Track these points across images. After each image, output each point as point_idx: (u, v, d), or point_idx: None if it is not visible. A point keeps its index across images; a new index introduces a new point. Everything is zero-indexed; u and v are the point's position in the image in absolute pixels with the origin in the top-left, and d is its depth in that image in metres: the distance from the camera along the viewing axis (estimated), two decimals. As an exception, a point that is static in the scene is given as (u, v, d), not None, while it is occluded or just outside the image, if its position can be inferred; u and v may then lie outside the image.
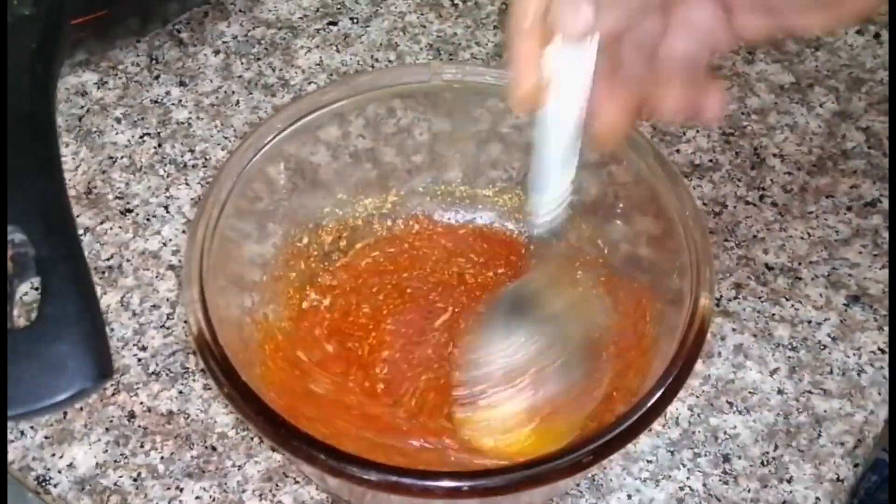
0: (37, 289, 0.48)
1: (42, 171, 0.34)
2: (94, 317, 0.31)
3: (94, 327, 0.30)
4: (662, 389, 0.40)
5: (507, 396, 0.45)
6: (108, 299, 0.53)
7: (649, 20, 0.36)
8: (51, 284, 0.31)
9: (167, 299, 0.54)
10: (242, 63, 0.64)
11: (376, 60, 0.65)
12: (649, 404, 0.39)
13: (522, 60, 0.38)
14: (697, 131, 0.61)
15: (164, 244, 0.56)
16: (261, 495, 0.47)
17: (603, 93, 0.38)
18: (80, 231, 0.56)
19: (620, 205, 0.53)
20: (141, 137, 0.60)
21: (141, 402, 0.50)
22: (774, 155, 0.61)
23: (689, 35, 0.36)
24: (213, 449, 0.49)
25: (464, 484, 0.38)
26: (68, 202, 0.34)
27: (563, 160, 0.41)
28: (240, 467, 0.48)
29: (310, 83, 0.63)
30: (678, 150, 0.61)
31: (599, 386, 0.46)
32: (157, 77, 0.63)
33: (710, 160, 0.60)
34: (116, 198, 0.58)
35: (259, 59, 0.64)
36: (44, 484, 0.47)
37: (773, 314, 0.54)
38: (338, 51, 0.65)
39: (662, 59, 0.37)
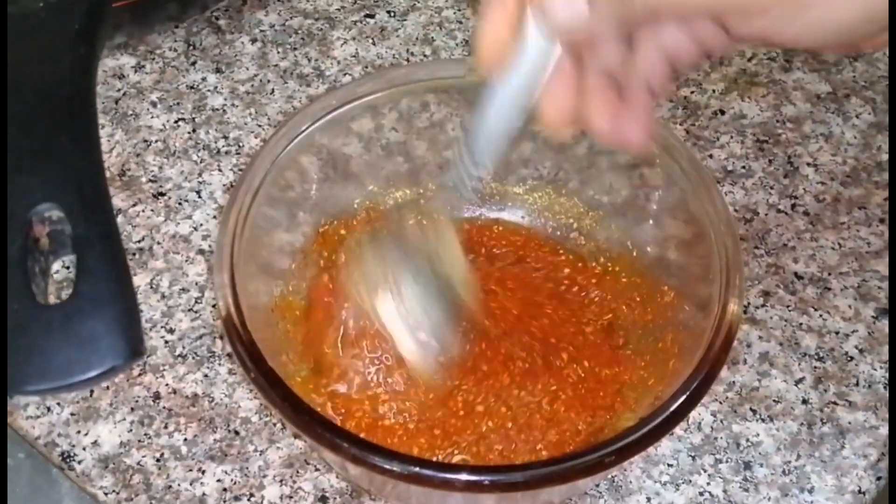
0: (67, 267, 0.49)
1: (81, 150, 0.34)
2: (128, 296, 0.31)
3: (127, 306, 0.31)
4: (687, 393, 0.39)
5: None
6: (137, 281, 0.54)
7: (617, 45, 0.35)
8: (86, 262, 0.31)
9: (196, 283, 0.54)
10: (279, 52, 0.65)
11: (412, 54, 0.65)
12: (673, 408, 0.39)
13: (496, 16, 0.36)
14: (731, 137, 0.61)
15: (195, 229, 0.56)
16: (281, 481, 0.48)
17: (559, 88, 0.37)
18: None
19: (651, 207, 0.52)
20: (176, 122, 0.61)
21: (167, 384, 0.50)
22: (808, 164, 0.60)
23: (658, 56, 0.36)
24: (236, 433, 0.49)
25: (484, 478, 0.38)
26: (105, 182, 0.34)
27: (502, 134, 0.40)
28: (261, 452, 0.49)
29: (345, 74, 0.64)
30: (711, 156, 0.60)
31: None
32: (193, 63, 0.64)
33: (743, 167, 0.60)
34: (150, 181, 0.58)
35: (295, 49, 0.65)
36: (68, 460, 0.48)
37: (801, 323, 0.54)
38: (374, 43, 0.65)
39: (629, 79, 0.36)
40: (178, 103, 0.62)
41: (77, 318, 0.30)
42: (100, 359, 0.29)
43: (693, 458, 0.49)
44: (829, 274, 0.56)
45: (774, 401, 0.51)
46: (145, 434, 0.49)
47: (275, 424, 0.49)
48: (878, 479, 0.49)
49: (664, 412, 0.39)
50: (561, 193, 0.54)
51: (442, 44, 0.66)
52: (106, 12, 0.41)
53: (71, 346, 0.29)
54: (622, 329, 0.51)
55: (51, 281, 0.46)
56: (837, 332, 0.53)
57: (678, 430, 0.50)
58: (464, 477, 0.38)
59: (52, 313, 0.30)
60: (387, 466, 0.38)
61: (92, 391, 0.50)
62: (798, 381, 0.52)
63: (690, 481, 0.48)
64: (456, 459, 0.46)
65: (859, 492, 0.48)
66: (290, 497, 0.47)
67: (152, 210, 0.57)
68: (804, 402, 0.51)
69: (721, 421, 0.50)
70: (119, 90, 0.62)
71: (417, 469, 0.37)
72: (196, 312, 0.53)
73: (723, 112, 0.63)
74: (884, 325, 0.54)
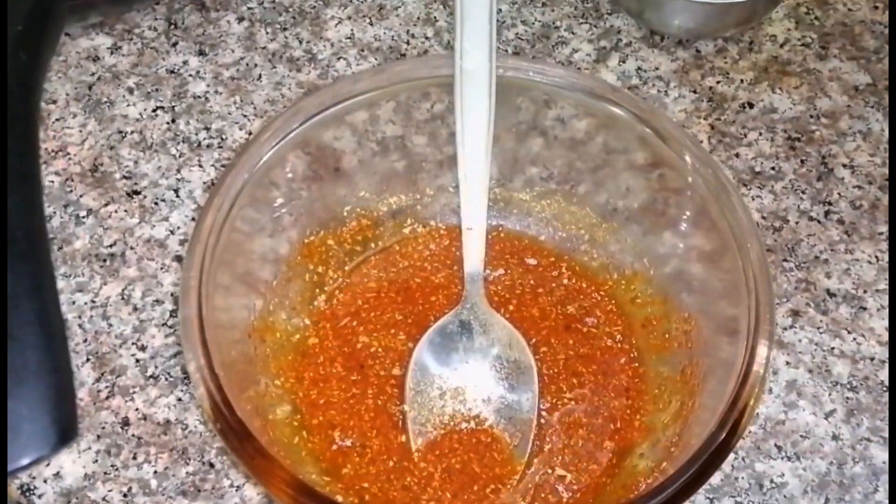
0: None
1: (12, 183, 0.29)
2: (60, 367, 0.26)
3: (58, 380, 0.26)
4: (704, 458, 0.35)
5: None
6: (108, 291, 0.50)
7: None
8: (11, 325, 0.27)
9: (171, 294, 0.50)
10: (267, 33, 0.59)
11: (412, 36, 0.60)
12: (685, 478, 0.35)
13: None
14: (760, 134, 0.56)
15: (172, 232, 0.52)
16: (259, 521, 0.44)
17: None
18: (83, 213, 0.52)
19: (670, 215, 0.48)
20: (154, 111, 0.56)
21: (136, 409, 0.46)
22: (844, 165, 0.55)
23: None
24: (211, 466, 0.45)
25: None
26: (44, 224, 0.29)
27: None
28: (238, 488, 0.44)
29: (339, 58, 0.58)
30: (737, 155, 0.55)
31: None
32: (174, 44, 0.58)
33: (773, 167, 0.55)
34: (124, 177, 0.53)
35: (285, 30, 0.59)
36: (27, 494, 0.44)
37: (833, 348, 0.49)
38: (371, 23, 0.60)
39: None
40: (156, 89, 0.57)
41: (-4, 397, 0.25)
42: (20, 449, 0.25)
43: (711, 500, 0.45)
44: (865, 291, 0.51)
45: (802, 436, 0.46)
46: (112, 465, 0.45)
47: (253, 457, 0.45)
48: (915, 527, 0.44)
49: (678, 480, 0.35)
50: (572, 202, 0.49)
51: (445, 24, 0.60)
52: (56, 12, 0.35)
53: (-13, 432, 0.25)
54: (635, 356, 0.46)
55: None
56: (872, 359, 0.49)
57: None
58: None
59: (-34, 391, 0.25)
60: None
61: (55, 416, 0.46)
62: (828, 414, 0.47)
63: (708, 528, 0.44)
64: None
65: (894, 542, 0.44)
66: (268, 540, 0.43)
67: (125, 210, 0.52)
68: (834, 437, 0.46)
69: (743, 458, 0.46)
70: (93, 74, 0.57)
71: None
72: (170, 327, 0.49)
73: (751, 105, 0.57)
74: (924, 349, 0.49)
